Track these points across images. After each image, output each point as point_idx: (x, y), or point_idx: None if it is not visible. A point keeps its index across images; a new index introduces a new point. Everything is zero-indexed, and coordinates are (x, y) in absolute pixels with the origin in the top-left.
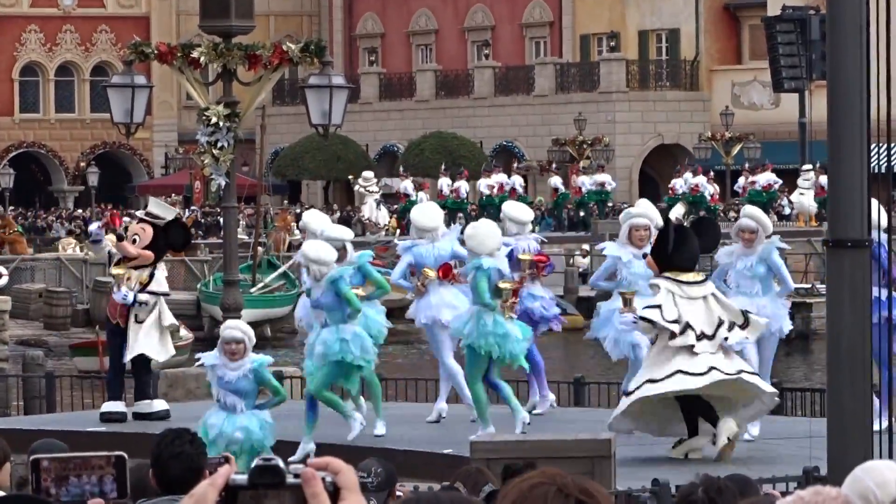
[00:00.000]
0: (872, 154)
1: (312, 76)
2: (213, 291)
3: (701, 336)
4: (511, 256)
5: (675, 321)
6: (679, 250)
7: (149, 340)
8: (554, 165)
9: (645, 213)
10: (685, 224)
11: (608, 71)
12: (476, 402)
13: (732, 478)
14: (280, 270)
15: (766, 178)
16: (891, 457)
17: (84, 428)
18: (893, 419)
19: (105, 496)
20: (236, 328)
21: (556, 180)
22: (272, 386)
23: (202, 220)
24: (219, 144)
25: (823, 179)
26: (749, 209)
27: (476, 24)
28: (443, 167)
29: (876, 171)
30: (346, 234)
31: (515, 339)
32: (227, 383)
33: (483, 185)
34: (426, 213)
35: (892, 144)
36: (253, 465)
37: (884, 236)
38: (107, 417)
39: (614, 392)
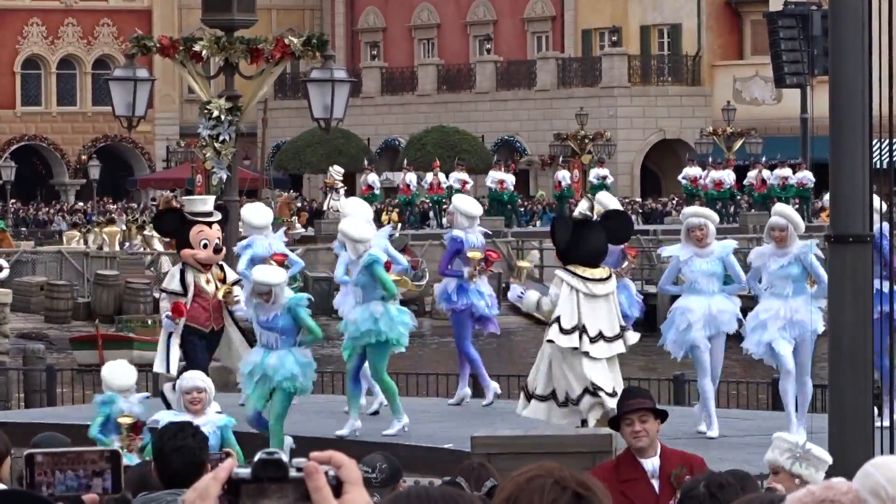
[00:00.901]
0: (874, 150)
1: (314, 70)
2: None
3: (598, 337)
4: (461, 251)
5: (574, 328)
6: (579, 245)
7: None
8: (560, 159)
9: (698, 212)
10: (592, 219)
11: (610, 66)
12: (388, 394)
13: (733, 473)
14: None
15: (800, 175)
16: (892, 452)
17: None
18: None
19: (100, 491)
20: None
21: (562, 174)
22: (306, 324)
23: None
24: (220, 138)
25: (766, 174)
26: (780, 207)
27: (478, 18)
28: (457, 160)
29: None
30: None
31: (402, 323)
32: (264, 322)
33: (454, 178)
34: (258, 212)
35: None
36: (256, 458)
37: (885, 225)
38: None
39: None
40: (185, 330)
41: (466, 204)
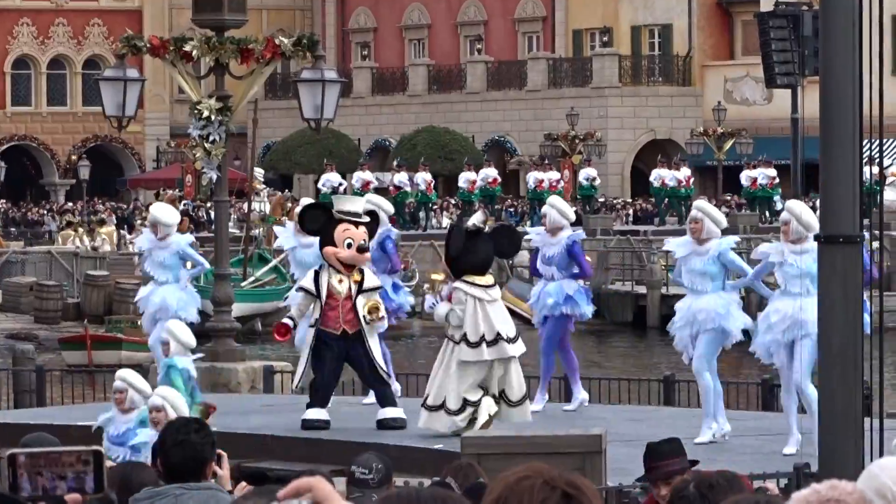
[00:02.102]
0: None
1: (305, 70)
2: (204, 285)
3: (496, 339)
4: (384, 248)
5: (480, 339)
6: (469, 255)
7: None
8: (546, 161)
9: (697, 205)
10: (483, 230)
11: (601, 66)
12: None
13: (722, 474)
14: (271, 264)
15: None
16: (881, 454)
17: (75, 422)
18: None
19: (82, 491)
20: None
21: (533, 175)
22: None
23: (193, 214)
24: (210, 138)
25: (754, 173)
26: (790, 203)
27: (469, 18)
28: (465, 161)
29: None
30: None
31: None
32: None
33: (464, 179)
34: (170, 210)
35: (885, 140)
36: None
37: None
38: (310, 425)
39: (605, 387)
40: (316, 334)
41: (384, 203)
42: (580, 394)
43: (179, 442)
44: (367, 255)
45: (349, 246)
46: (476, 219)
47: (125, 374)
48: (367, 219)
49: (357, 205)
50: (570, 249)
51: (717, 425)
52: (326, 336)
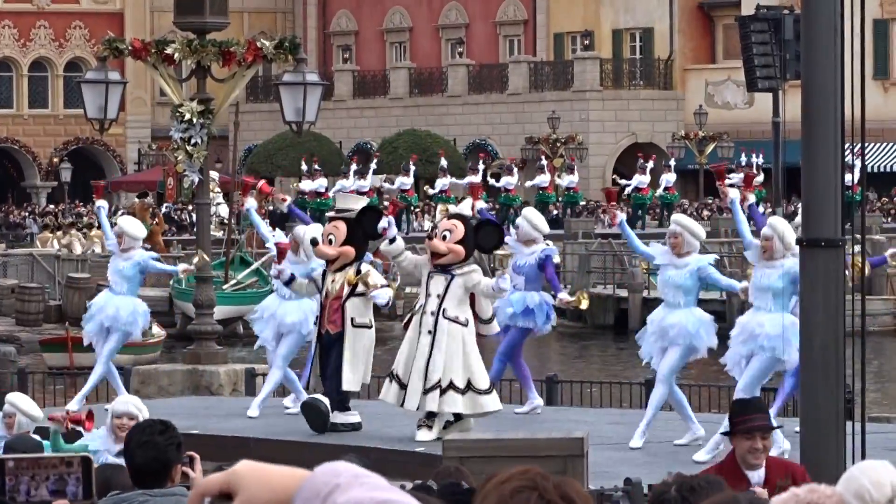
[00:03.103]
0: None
1: (286, 73)
2: (186, 288)
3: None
4: (544, 268)
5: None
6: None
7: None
8: (542, 162)
9: (674, 219)
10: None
11: (582, 69)
12: None
13: (704, 477)
14: (253, 267)
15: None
16: (863, 457)
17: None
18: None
19: (73, 497)
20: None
21: (506, 180)
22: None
23: (175, 217)
24: (192, 141)
25: (670, 177)
26: (773, 220)
27: (450, 21)
28: (440, 166)
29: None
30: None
31: None
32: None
33: (440, 184)
34: (134, 223)
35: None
36: None
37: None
38: (337, 428)
39: (587, 390)
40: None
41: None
42: (535, 399)
43: (143, 443)
44: (320, 248)
45: (330, 242)
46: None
47: (14, 398)
48: (351, 214)
49: (348, 202)
50: (541, 264)
51: (697, 426)
52: (320, 335)
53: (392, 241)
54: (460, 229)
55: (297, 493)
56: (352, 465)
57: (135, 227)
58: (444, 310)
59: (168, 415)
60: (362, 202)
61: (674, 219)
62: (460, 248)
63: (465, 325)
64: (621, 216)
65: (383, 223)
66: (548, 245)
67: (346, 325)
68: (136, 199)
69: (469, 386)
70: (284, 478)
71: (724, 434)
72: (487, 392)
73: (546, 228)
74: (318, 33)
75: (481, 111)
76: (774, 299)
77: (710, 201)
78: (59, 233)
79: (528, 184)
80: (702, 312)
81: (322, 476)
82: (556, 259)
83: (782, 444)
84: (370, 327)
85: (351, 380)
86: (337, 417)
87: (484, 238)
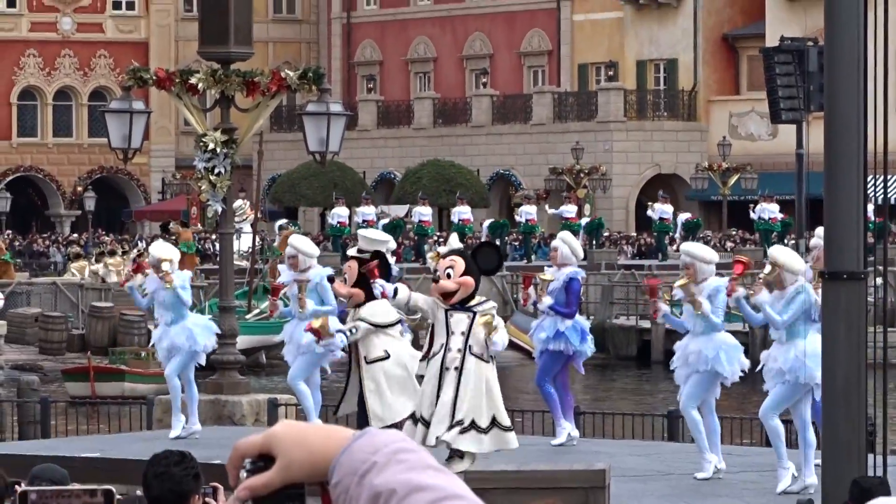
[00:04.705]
0: (868, 186)
1: (310, 103)
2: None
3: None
4: (570, 290)
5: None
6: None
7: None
8: (564, 194)
9: (683, 250)
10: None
11: (606, 100)
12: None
13: None
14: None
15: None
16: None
17: (79, 454)
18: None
19: None
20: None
21: (526, 210)
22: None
23: (198, 247)
24: (216, 170)
25: (669, 207)
26: (773, 249)
27: (474, 52)
28: (458, 195)
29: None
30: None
31: None
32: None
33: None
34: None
35: (889, 177)
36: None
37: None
38: None
39: (609, 422)
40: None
41: (305, 244)
42: (571, 430)
43: (159, 474)
44: (335, 286)
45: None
46: (453, 242)
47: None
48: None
49: (366, 242)
50: (567, 284)
51: (718, 458)
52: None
53: (394, 294)
54: (460, 263)
55: (335, 467)
56: (392, 436)
57: (310, 246)
58: (469, 346)
59: (190, 445)
60: (384, 240)
61: (682, 249)
62: (468, 280)
63: (489, 361)
64: (665, 309)
65: (377, 289)
66: (578, 270)
67: (360, 366)
68: (280, 229)
69: (493, 422)
70: (324, 441)
71: None
72: (510, 429)
73: (581, 253)
74: (343, 63)
75: (505, 141)
76: (788, 329)
77: (734, 232)
78: (93, 260)
79: (551, 212)
80: (725, 337)
81: (360, 452)
82: (581, 280)
83: (806, 480)
84: (387, 357)
85: (379, 414)
86: None
87: (483, 260)
